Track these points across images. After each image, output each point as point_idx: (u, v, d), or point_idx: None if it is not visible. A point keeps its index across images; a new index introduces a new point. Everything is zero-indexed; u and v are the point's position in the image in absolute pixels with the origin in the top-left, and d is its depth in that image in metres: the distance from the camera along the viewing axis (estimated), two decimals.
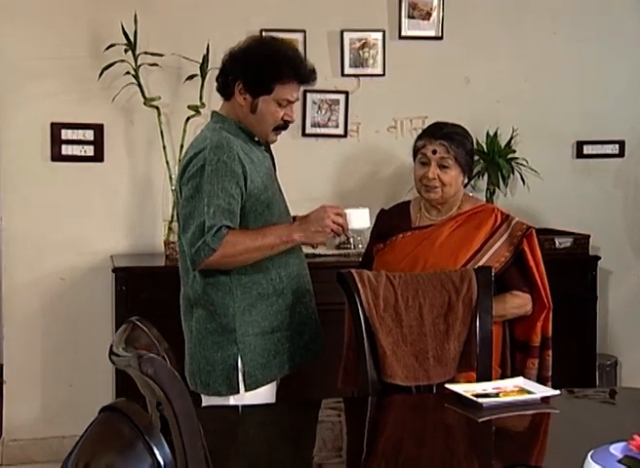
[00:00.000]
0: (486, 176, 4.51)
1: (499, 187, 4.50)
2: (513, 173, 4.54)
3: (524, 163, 4.54)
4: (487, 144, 4.49)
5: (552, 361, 3.08)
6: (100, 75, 4.09)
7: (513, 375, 2.91)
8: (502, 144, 4.52)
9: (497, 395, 2.58)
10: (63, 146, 4.22)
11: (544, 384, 2.86)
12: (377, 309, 2.80)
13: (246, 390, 2.82)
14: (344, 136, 4.50)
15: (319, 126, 4.48)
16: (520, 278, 3.03)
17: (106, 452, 1.49)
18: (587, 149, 4.74)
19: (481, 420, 2.47)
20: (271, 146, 3.06)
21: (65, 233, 4.27)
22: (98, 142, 4.24)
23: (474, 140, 4.37)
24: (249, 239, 2.73)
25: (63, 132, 4.21)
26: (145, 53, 4.11)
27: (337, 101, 4.46)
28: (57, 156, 4.23)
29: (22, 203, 4.24)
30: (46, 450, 4.23)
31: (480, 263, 2.97)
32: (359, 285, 2.80)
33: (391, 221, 3.18)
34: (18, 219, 4.23)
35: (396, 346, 2.79)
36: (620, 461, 1.72)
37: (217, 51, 3.68)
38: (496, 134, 4.52)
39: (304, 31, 4.39)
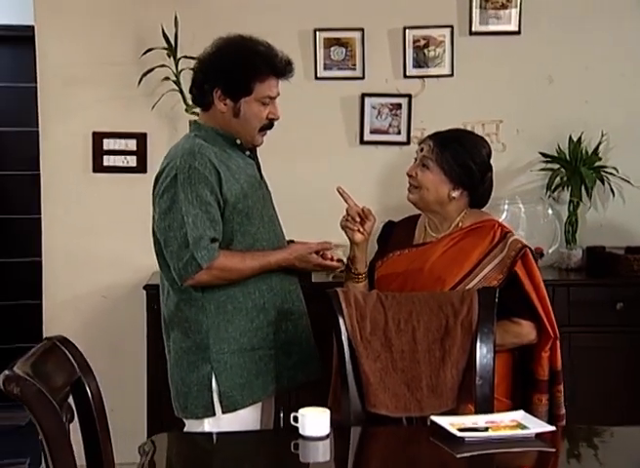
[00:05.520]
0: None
1: (581, 200, 4.29)
2: (603, 183, 4.31)
3: (614, 172, 4.31)
4: (569, 151, 4.29)
5: None
6: (140, 81, 4.18)
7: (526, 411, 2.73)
8: (590, 151, 4.31)
9: (486, 429, 2.46)
10: (105, 157, 4.32)
11: (557, 423, 2.68)
12: (362, 332, 2.73)
13: (223, 412, 2.82)
14: (407, 143, 4.40)
15: (379, 132, 4.41)
16: (520, 303, 2.88)
17: None
18: None
19: (459, 456, 2.36)
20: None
21: (107, 248, 4.36)
22: (140, 152, 4.33)
23: (556, 149, 4.27)
24: (239, 261, 2.80)
25: (105, 141, 4.31)
26: (185, 57, 4.16)
27: (398, 106, 4.39)
28: (98, 167, 4.33)
29: (63, 217, 4.36)
30: None
31: (469, 288, 2.85)
32: (343, 305, 2.74)
33: (396, 236, 3.15)
34: (58, 234, 4.36)
35: (384, 373, 2.71)
36: None
37: None
38: (580, 139, 4.30)
39: (362, 29, 4.35)
